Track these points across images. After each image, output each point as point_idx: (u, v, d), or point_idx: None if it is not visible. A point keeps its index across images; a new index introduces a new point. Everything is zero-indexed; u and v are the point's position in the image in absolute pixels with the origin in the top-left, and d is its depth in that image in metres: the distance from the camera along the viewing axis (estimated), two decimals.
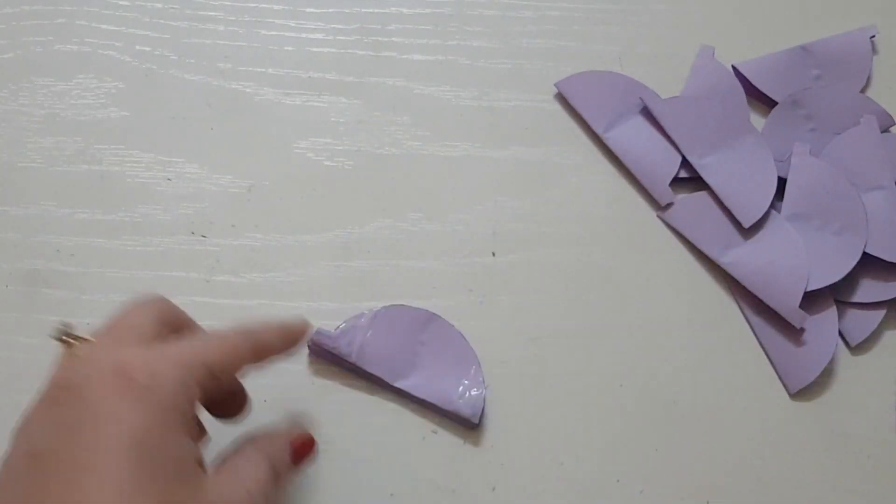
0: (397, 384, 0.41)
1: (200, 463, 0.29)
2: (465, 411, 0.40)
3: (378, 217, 0.46)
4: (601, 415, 0.42)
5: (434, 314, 0.43)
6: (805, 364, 0.43)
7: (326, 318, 0.42)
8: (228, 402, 0.35)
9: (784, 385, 0.43)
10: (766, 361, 0.44)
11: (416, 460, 0.41)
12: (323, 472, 0.40)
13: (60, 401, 0.28)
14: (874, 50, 0.52)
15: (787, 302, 0.43)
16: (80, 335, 0.30)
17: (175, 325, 0.33)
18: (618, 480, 0.41)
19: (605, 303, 0.45)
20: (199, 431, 0.33)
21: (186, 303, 0.43)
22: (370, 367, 0.41)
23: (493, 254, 0.45)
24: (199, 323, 0.35)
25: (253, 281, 0.44)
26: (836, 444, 0.42)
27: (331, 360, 0.42)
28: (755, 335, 0.44)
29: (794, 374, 0.43)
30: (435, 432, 0.41)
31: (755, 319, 0.44)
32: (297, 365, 0.42)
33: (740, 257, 0.45)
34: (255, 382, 0.37)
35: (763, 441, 0.42)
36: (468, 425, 0.41)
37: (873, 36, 0.51)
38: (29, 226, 0.45)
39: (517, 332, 0.44)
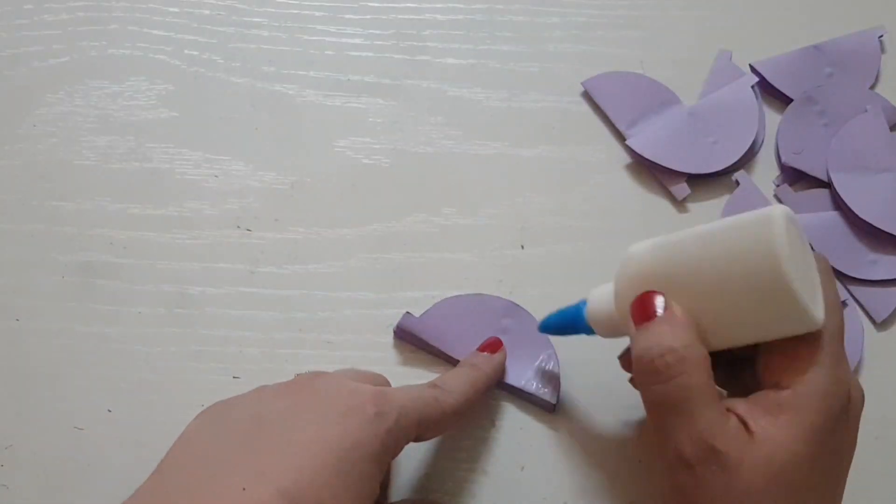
0: None
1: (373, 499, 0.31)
2: (542, 393, 0.42)
3: (413, 212, 0.47)
4: (628, 400, 0.42)
5: (513, 304, 0.44)
6: None
7: (364, 307, 0.44)
8: None
9: None
10: None
11: (449, 442, 0.42)
12: None
13: (296, 389, 0.32)
14: (882, 49, 0.53)
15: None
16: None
17: (374, 381, 0.36)
18: (640, 461, 0.42)
19: None
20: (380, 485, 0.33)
21: (232, 293, 0.45)
22: (452, 351, 0.43)
23: (522, 247, 0.47)
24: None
25: (295, 272, 0.46)
26: None
27: (414, 343, 0.44)
28: None
29: None
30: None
31: None
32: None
33: None
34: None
35: None
36: (547, 408, 0.42)
37: (881, 36, 0.53)
38: (84, 220, 0.46)
39: None
